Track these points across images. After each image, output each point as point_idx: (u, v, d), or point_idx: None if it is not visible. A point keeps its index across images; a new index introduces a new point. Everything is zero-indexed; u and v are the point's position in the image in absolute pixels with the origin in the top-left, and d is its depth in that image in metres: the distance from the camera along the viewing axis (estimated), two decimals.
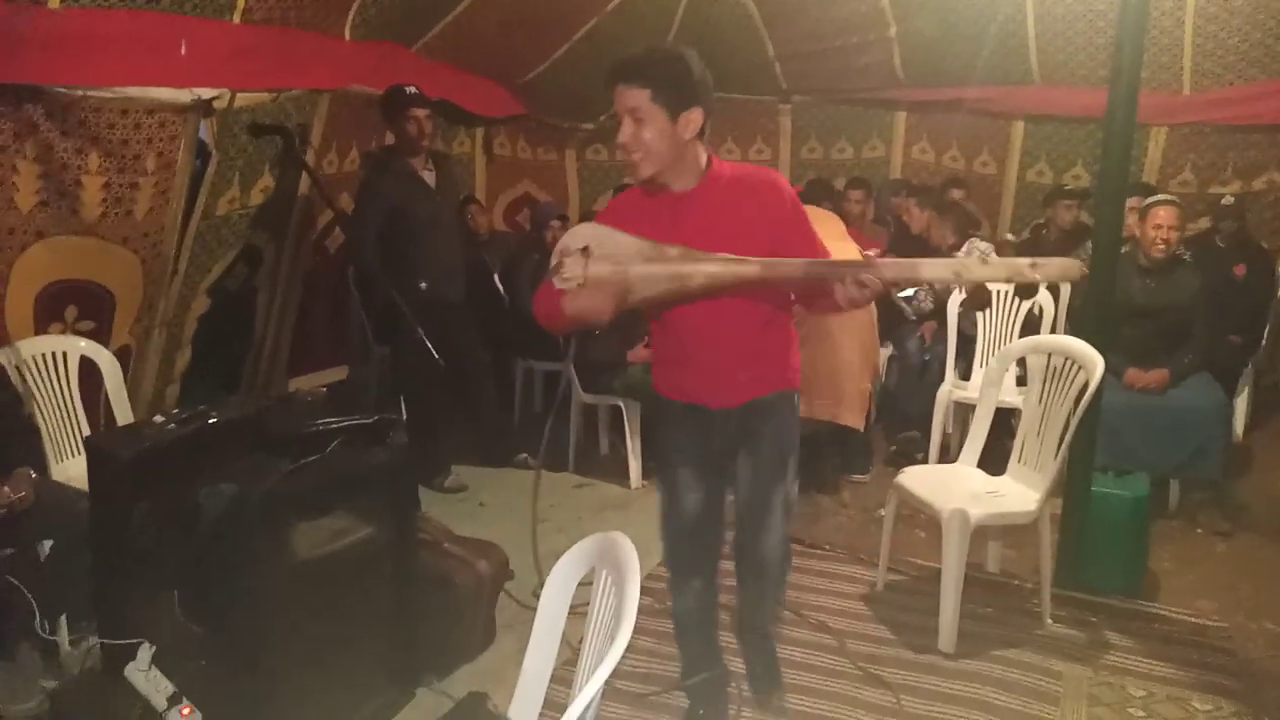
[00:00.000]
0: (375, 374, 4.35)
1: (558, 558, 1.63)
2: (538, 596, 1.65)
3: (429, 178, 3.88)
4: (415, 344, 3.29)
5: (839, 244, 3.93)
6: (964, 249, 4.50)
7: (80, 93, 2.68)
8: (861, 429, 4.04)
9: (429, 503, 3.55)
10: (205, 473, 2.18)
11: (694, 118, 1.92)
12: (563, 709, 1.22)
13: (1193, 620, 2.94)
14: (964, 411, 4.20)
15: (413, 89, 3.77)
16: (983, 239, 4.68)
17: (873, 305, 3.97)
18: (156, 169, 2.99)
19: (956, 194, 5.16)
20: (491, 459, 4.31)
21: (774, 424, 2.17)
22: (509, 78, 5.34)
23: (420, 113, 3.76)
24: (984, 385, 3.20)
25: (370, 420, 2.43)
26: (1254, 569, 3.31)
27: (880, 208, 5.41)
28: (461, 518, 3.53)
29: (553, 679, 1.61)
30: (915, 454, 4.32)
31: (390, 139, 3.94)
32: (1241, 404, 4.51)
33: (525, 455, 4.32)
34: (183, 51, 2.75)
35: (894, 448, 4.47)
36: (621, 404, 4.16)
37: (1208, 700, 2.52)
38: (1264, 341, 4.79)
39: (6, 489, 2.35)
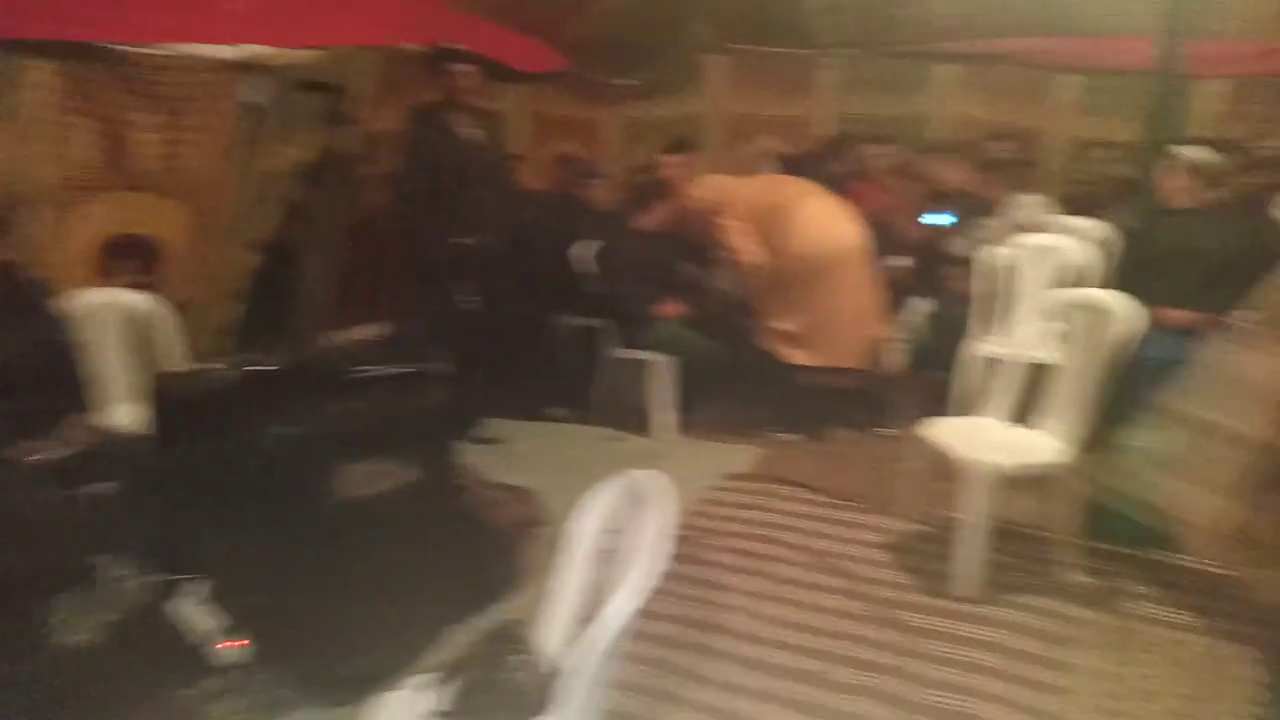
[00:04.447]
0: (419, 328, 4.48)
1: None
2: None
3: (475, 133, 3.96)
4: (457, 298, 3.39)
5: (819, 200, 4.14)
6: (1013, 203, 4.50)
7: (138, 51, 2.79)
8: (864, 368, 4.18)
9: (464, 453, 3.68)
10: (260, 416, 2.32)
11: None
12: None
13: (1214, 571, 2.97)
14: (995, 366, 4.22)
15: (456, 46, 3.84)
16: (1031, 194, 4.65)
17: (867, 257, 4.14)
18: (210, 125, 3.12)
19: (1001, 147, 5.10)
20: (522, 411, 4.43)
21: None
22: (552, 33, 5.36)
23: (464, 69, 3.83)
24: (1013, 340, 3.22)
25: (414, 369, 2.55)
26: None
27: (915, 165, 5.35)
28: (495, 468, 3.67)
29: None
30: (945, 406, 4.35)
31: (435, 95, 4.02)
32: None
33: (557, 407, 4.44)
34: (230, 6, 2.85)
35: (923, 399, 4.50)
36: (653, 359, 4.24)
37: (1215, 644, 2.59)
38: None
39: (66, 436, 2.51)
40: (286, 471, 2.27)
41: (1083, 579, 2.92)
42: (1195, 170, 3.68)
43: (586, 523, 1.75)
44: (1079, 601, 2.81)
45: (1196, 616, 2.73)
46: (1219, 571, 2.97)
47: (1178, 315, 3.63)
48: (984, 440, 2.95)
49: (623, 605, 1.40)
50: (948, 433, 3.05)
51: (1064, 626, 2.69)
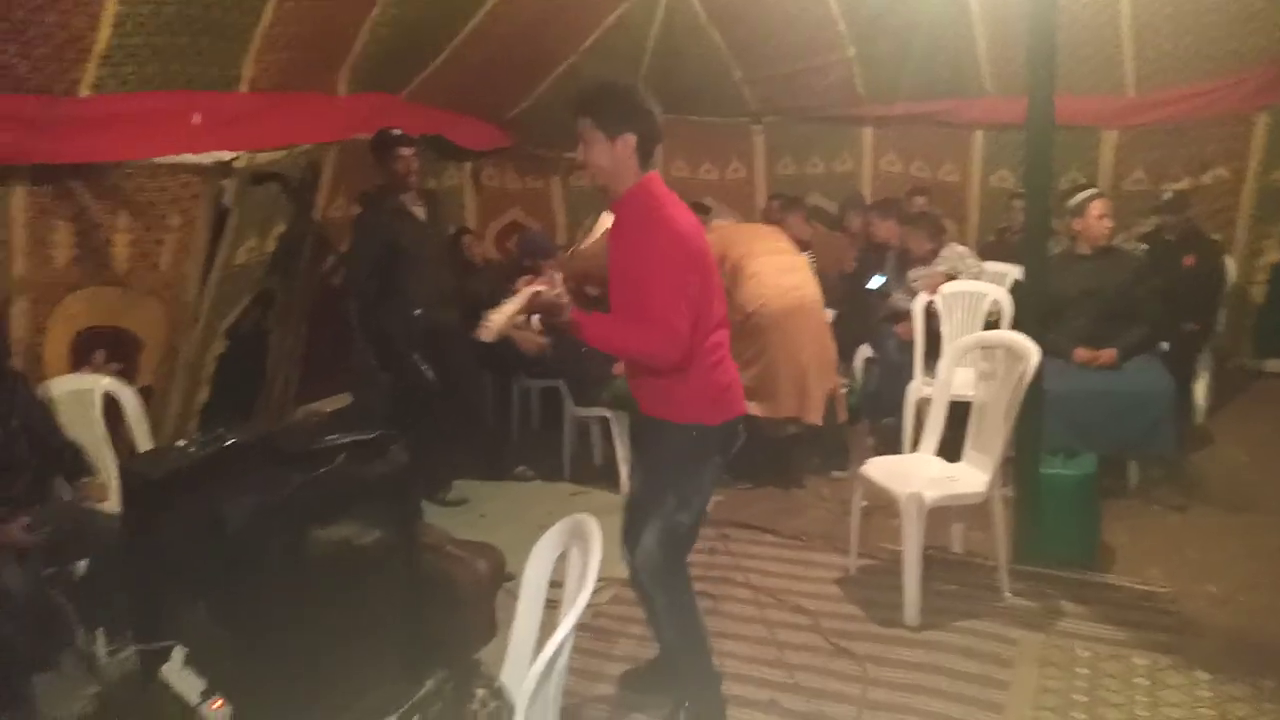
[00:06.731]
0: (378, 398, 4.62)
1: None
2: None
3: (419, 212, 4.17)
4: (412, 368, 3.54)
5: (773, 257, 4.24)
6: (942, 253, 4.79)
7: (112, 165, 3.01)
8: (820, 424, 4.27)
9: (432, 515, 3.80)
10: (226, 488, 2.44)
11: (628, 140, 2.29)
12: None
13: (1140, 587, 3.17)
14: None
15: (398, 131, 4.07)
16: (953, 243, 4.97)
17: (822, 309, 4.35)
18: (180, 225, 3.33)
19: (920, 201, 5.43)
20: (491, 473, 4.57)
21: (652, 445, 2.50)
22: (495, 114, 5.64)
23: (407, 151, 4.05)
24: (938, 380, 3.45)
25: (371, 435, 2.69)
26: (1202, 537, 3.53)
27: (848, 221, 5.66)
28: (463, 528, 3.77)
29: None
30: (895, 448, 4.55)
31: (382, 179, 4.23)
32: (1201, 387, 4.75)
33: (524, 467, 4.58)
34: (197, 122, 3.08)
35: (873, 442, 4.71)
36: (610, 415, 4.41)
37: (1147, 656, 2.75)
38: (1218, 327, 5.03)
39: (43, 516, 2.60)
40: (255, 538, 2.38)
41: (1020, 601, 3.10)
42: (1101, 215, 4.02)
43: (534, 566, 1.90)
44: (1017, 623, 2.98)
45: (1125, 630, 2.91)
46: (1144, 588, 3.17)
47: (1087, 354, 3.92)
48: (917, 476, 3.14)
49: (555, 637, 1.52)
50: (886, 471, 3.24)
51: (1004, 647, 2.85)
